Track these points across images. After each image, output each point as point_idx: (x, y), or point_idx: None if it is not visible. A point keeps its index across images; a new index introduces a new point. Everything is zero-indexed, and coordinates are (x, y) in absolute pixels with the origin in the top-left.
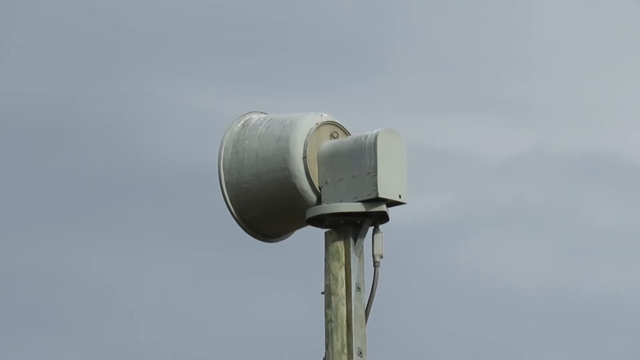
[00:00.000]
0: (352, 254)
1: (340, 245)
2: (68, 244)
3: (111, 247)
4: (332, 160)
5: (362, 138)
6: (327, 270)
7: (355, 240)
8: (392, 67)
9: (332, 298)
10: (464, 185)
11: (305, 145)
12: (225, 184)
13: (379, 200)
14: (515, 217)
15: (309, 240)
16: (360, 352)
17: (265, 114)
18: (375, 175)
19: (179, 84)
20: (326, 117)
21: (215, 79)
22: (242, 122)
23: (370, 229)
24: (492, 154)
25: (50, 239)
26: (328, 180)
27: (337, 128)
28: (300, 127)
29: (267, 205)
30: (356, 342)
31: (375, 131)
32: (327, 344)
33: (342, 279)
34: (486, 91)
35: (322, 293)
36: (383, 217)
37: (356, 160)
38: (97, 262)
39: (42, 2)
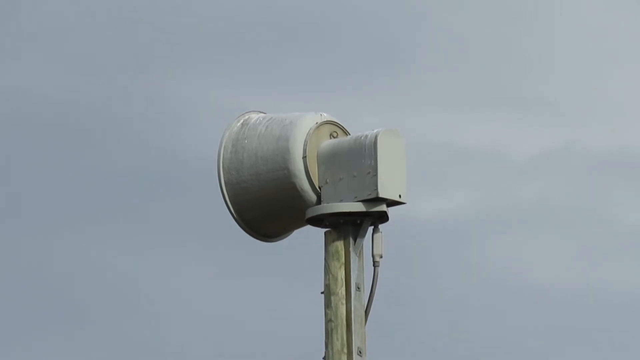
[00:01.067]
0: (352, 254)
1: (340, 245)
2: (95, 242)
3: (139, 245)
4: (332, 160)
5: (362, 138)
6: (327, 270)
7: (355, 240)
8: (417, 65)
9: (332, 298)
10: (490, 183)
11: (305, 145)
12: (225, 183)
13: (379, 200)
14: (541, 216)
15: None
16: (360, 352)
17: (265, 113)
18: (376, 175)
19: (206, 83)
20: (326, 116)
21: (243, 78)
22: (242, 121)
23: (370, 228)
24: (518, 152)
25: (77, 236)
26: (328, 180)
27: (336, 128)
28: (300, 126)
29: (267, 205)
30: (356, 342)
31: (375, 131)
32: (327, 344)
33: (341, 279)
34: (512, 89)
35: (322, 293)
36: (383, 217)
37: (356, 159)
38: (125, 260)
39: (74, 1)
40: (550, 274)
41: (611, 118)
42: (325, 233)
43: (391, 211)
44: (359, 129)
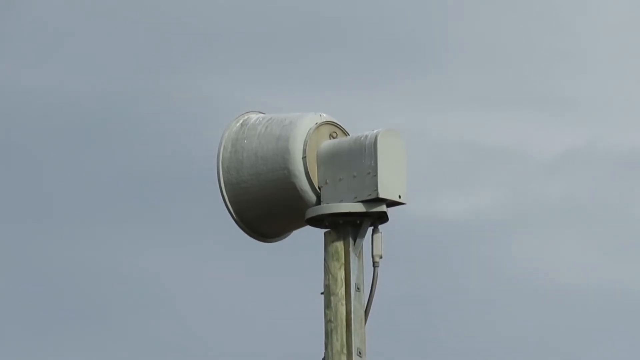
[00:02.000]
0: (352, 254)
1: (339, 245)
2: (120, 241)
3: (163, 244)
4: (332, 160)
5: (362, 138)
6: (327, 270)
7: (354, 241)
8: (442, 64)
9: (332, 298)
10: (514, 182)
11: (305, 145)
12: (224, 183)
13: (379, 201)
14: (565, 215)
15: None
16: (360, 352)
17: (264, 113)
18: (376, 175)
19: (235, 81)
20: (325, 117)
21: (265, 77)
22: (241, 121)
23: (370, 229)
24: (543, 150)
25: (104, 235)
26: (328, 180)
27: (336, 128)
28: (300, 126)
29: (266, 205)
30: (355, 342)
31: (375, 131)
32: (327, 344)
33: (341, 279)
34: (536, 88)
35: (322, 293)
36: (382, 217)
37: (356, 160)
38: (148, 259)
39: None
40: (574, 273)
41: (635, 116)
42: (325, 233)
43: (413, 210)
44: (381, 127)
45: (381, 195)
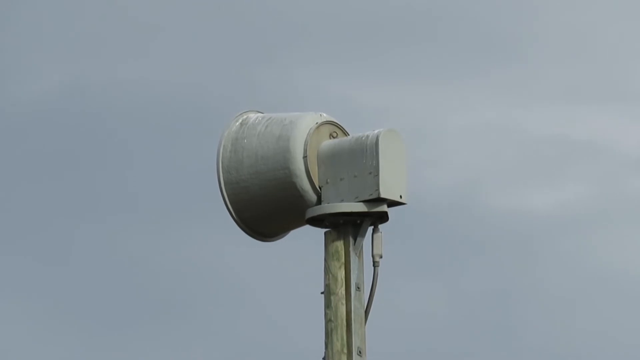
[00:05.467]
0: (352, 254)
1: (339, 245)
2: (202, 236)
3: (246, 240)
4: (333, 160)
5: (363, 138)
6: (327, 270)
7: (354, 240)
8: (531, 58)
9: (332, 298)
10: (601, 177)
11: (306, 145)
12: (224, 182)
13: (380, 201)
14: None
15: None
16: (360, 352)
17: (262, 113)
18: (377, 175)
19: (322, 74)
20: (325, 116)
21: (354, 71)
22: (240, 121)
23: (370, 228)
24: (630, 146)
25: (186, 231)
26: (328, 180)
27: (336, 128)
28: (300, 126)
29: (266, 204)
30: (356, 342)
31: (376, 131)
32: (327, 344)
33: (341, 279)
34: (625, 82)
35: (322, 293)
36: (383, 217)
37: (357, 160)
38: (231, 255)
39: None
40: None
41: None
42: (325, 233)
43: (500, 203)
44: (471, 121)
45: (383, 195)
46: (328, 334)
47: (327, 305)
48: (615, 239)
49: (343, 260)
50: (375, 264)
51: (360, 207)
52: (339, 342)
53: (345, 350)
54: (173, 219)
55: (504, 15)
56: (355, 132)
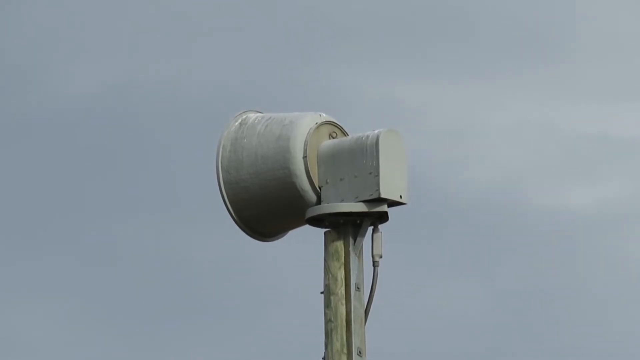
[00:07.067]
0: (352, 254)
1: (339, 245)
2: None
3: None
4: (333, 160)
5: (364, 138)
6: (327, 270)
7: (354, 240)
8: (572, 55)
9: (332, 298)
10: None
11: (306, 145)
12: (224, 182)
13: (380, 201)
14: None
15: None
16: (360, 352)
17: (262, 112)
18: (378, 175)
19: (361, 73)
20: (325, 116)
21: (394, 69)
22: (239, 120)
23: (370, 228)
24: None
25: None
26: (328, 180)
27: (335, 128)
28: (300, 126)
29: (266, 204)
30: (355, 342)
31: (376, 131)
32: (327, 344)
33: (341, 279)
34: None
35: (322, 293)
36: (382, 217)
37: (357, 160)
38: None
39: None
40: None
41: None
42: (325, 233)
43: (542, 201)
44: (508, 118)
45: (383, 195)
46: (328, 334)
47: (327, 305)
48: None
49: (343, 260)
50: (375, 264)
51: (361, 207)
52: (338, 342)
53: (345, 350)
54: (209, 218)
55: (543, 13)
56: (403, 132)
